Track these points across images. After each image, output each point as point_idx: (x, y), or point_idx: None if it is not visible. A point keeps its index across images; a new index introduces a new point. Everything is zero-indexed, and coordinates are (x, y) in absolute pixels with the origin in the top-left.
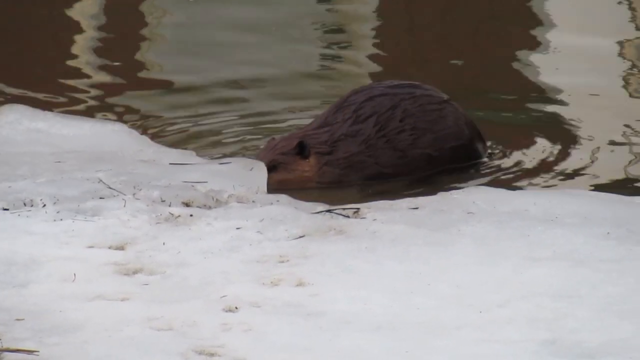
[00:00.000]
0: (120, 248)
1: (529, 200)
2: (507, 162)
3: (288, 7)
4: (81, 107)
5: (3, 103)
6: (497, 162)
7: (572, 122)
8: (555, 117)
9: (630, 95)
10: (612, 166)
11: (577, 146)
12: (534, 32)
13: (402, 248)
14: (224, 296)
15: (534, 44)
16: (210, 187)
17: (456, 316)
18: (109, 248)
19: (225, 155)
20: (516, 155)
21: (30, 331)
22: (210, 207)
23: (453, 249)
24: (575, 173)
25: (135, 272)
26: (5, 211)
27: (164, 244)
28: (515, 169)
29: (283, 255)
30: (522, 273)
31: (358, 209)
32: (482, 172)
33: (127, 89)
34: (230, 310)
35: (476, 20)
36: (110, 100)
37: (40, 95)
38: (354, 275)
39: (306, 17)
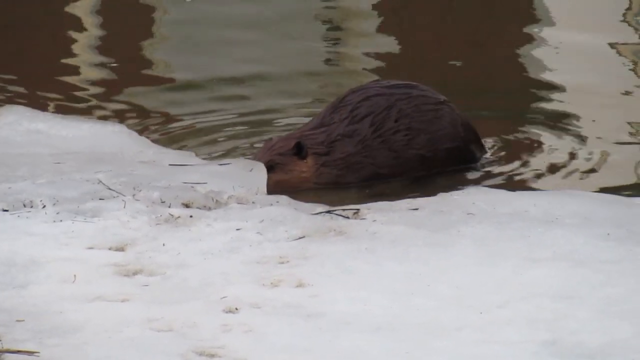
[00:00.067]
0: (120, 249)
1: (529, 201)
2: (506, 163)
3: (288, 3)
4: (81, 105)
5: (3, 102)
6: (496, 163)
7: (573, 123)
8: (556, 117)
9: (632, 94)
10: (613, 166)
11: (577, 147)
12: (534, 31)
13: (402, 249)
14: (224, 297)
15: (534, 43)
16: (210, 188)
17: (456, 317)
18: (109, 249)
19: (223, 154)
20: (516, 156)
21: (31, 332)
22: (210, 208)
23: (453, 250)
24: (576, 174)
25: (135, 273)
26: (5, 212)
27: (163, 245)
28: (515, 169)
29: (283, 256)
30: (522, 274)
31: (358, 209)
32: (482, 173)
33: (127, 87)
34: (230, 311)
35: (476, 19)
36: (110, 98)
37: (40, 93)
38: (353, 276)
39: (306, 14)
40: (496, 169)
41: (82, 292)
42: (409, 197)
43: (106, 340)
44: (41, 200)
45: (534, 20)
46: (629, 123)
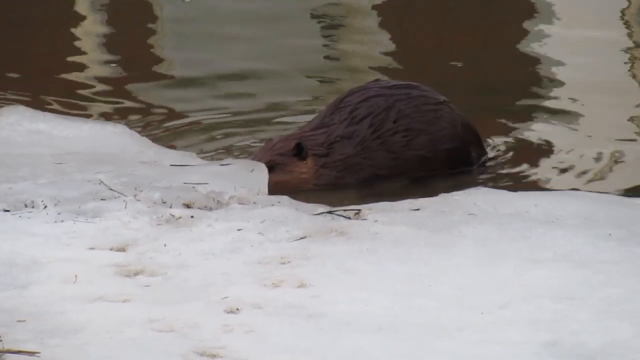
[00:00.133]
0: (121, 249)
1: (530, 201)
2: (507, 163)
3: (288, 1)
4: (83, 103)
5: (4, 100)
6: (497, 163)
7: (575, 122)
8: (557, 117)
9: (636, 92)
10: (614, 167)
11: (578, 147)
12: (534, 28)
13: (404, 249)
14: (225, 297)
15: (535, 41)
16: (211, 188)
17: (457, 317)
18: (110, 249)
19: (224, 153)
20: (517, 156)
21: (32, 332)
22: (211, 209)
23: (454, 251)
24: (577, 174)
25: (136, 273)
26: (6, 212)
27: (165, 245)
28: (516, 170)
29: (284, 257)
30: (523, 274)
31: (359, 210)
32: (483, 173)
33: (127, 85)
34: (231, 312)
35: (477, 17)
36: (111, 95)
37: (40, 91)
38: (355, 277)
39: (305, 11)
40: (497, 169)
41: (83, 292)
42: (411, 198)
43: (107, 340)
44: (42, 201)
45: (535, 17)
46: (632, 122)
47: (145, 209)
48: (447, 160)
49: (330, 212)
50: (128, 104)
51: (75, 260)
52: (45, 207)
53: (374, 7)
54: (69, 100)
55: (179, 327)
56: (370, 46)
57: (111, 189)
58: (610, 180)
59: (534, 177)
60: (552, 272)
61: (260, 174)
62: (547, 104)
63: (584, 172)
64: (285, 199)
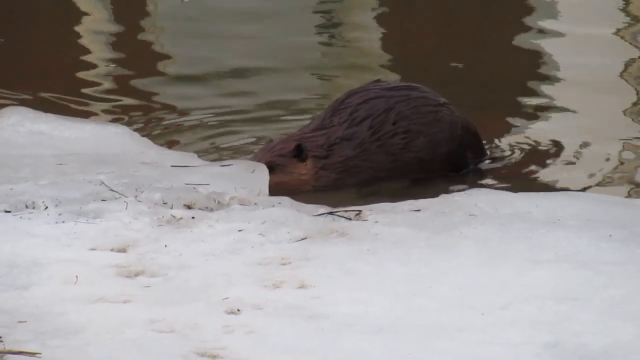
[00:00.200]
0: (122, 250)
1: (531, 202)
2: (508, 164)
3: None
4: (84, 100)
5: (5, 98)
6: (498, 164)
7: (575, 123)
8: (557, 117)
9: (637, 93)
10: (615, 167)
11: (579, 148)
12: (536, 30)
13: (404, 250)
14: (226, 298)
15: (536, 42)
16: (212, 189)
17: (458, 318)
18: (111, 250)
19: (219, 150)
20: (518, 157)
21: (32, 333)
22: (212, 210)
23: (455, 251)
24: (578, 174)
25: (137, 274)
26: (7, 213)
27: (165, 246)
28: (516, 170)
29: (285, 258)
30: (524, 275)
31: (360, 211)
32: (484, 174)
33: (128, 82)
34: (232, 313)
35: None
36: (111, 94)
37: (40, 88)
38: (355, 278)
39: (307, 8)
40: (498, 170)
41: (84, 293)
42: (411, 199)
43: (108, 341)
44: (43, 202)
45: (536, 14)
46: (634, 121)
47: (146, 210)
48: (446, 162)
49: (331, 213)
50: (129, 102)
51: (76, 261)
52: (46, 207)
53: (375, 4)
54: (70, 97)
55: (180, 328)
56: (371, 43)
57: (112, 190)
58: (612, 180)
59: (535, 178)
60: (554, 273)
61: (260, 175)
62: (548, 103)
63: (585, 173)
64: (286, 199)
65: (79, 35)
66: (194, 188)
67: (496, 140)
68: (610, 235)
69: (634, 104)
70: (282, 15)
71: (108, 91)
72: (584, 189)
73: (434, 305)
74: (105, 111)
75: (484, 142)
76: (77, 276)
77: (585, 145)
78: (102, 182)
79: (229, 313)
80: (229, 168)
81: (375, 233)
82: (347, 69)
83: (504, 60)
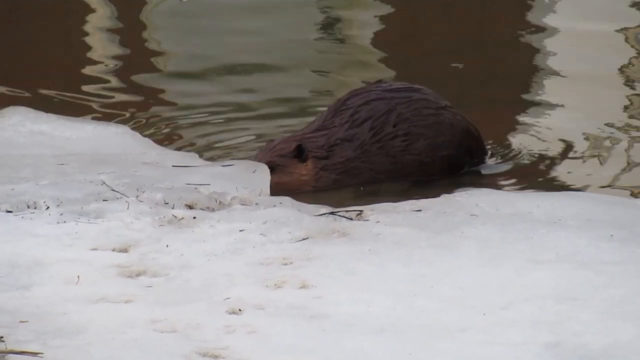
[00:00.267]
0: (124, 250)
1: (532, 202)
2: (509, 164)
3: None
4: (85, 97)
5: (6, 96)
6: (499, 164)
7: (576, 122)
8: (559, 118)
9: (638, 94)
10: (616, 168)
11: (580, 148)
12: (536, 30)
13: (406, 250)
14: (227, 298)
15: (537, 43)
16: (213, 189)
17: (459, 318)
18: (113, 250)
19: (226, 153)
20: (519, 157)
21: (34, 333)
22: (213, 210)
23: (456, 251)
24: (579, 175)
25: (138, 274)
26: (9, 213)
27: (167, 246)
28: (518, 171)
29: (286, 258)
30: (525, 275)
31: (361, 211)
32: (485, 174)
33: (129, 80)
34: (233, 313)
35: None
36: (113, 91)
37: (41, 86)
38: (357, 278)
39: (307, 4)
40: (499, 170)
41: (85, 293)
42: (413, 199)
43: (110, 341)
44: (44, 202)
45: (538, 10)
46: (636, 120)
47: (148, 210)
48: (445, 166)
49: (332, 213)
50: (130, 99)
51: (78, 261)
52: (48, 208)
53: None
54: (71, 95)
55: (182, 328)
56: (371, 40)
57: (113, 190)
58: (613, 180)
59: (535, 178)
60: (555, 273)
61: (262, 175)
62: (549, 103)
63: (586, 173)
64: (287, 199)
65: (79, 33)
66: (196, 188)
67: (497, 140)
68: (611, 235)
69: (637, 102)
70: (282, 11)
71: (109, 89)
72: (584, 189)
73: (435, 305)
74: (106, 107)
75: (485, 142)
76: (78, 276)
77: (586, 145)
78: (104, 182)
79: (230, 313)
80: (230, 168)
81: (377, 233)
82: (347, 66)
83: (505, 60)
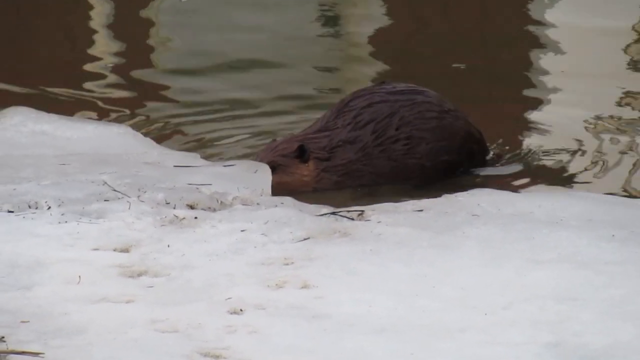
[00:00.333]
0: (125, 250)
1: (534, 202)
2: (511, 164)
3: None
4: (86, 93)
5: (7, 94)
6: (501, 164)
7: (577, 124)
8: (560, 118)
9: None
10: (617, 168)
11: (581, 148)
12: (537, 31)
13: (407, 250)
14: (228, 298)
15: (537, 44)
16: (214, 189)
17: (460, 318)
18: (114, 250)
19: (227, 153)
20: (520, 158)
21: (35, 333)
22: (214, 210)
23: (458, 252)
24: (580, 175)
25: (139, 274)
26: (10, 213)
27: (168, 246)
28: (519, 171)
29: (288, 258)
30: (526, 275)
31: (362, 211)
32: (486, 174)
33: (130, 77)
34: (235, 313)
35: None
36: (114, 88)
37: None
38: (358, 278)
39: (308, 3)
40: (500, 170)
41: (86, 293)
42: (414, 199)
43: (110, 341)
44: (46, 202)
45: (538, 19)
46: (633, 124)
47: (149, 210)
48: (446, 171)
49: (333, 213)
50: (131, 96)
51: (79, 261)
52: (49, 208)
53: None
54: (71, 93)
55: (183, 328)
56: (374, 36)
57: (115, 190)
58: (614, 181)
59: (537, 178)
60: (555, 273)
61: (263, 175)
62: (550, 106)
63: (588, 173)
64: (288, 199)
65: (80, 30)
66: (197, 188)
67: (498, 140)
68: (612, 236)
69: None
70: (283, 7)
71: (110, 86)
72: (585, 190)
73: (436, 306)
74: (107, 104)
75: (487, 141)
76: (79, 276)
77: (588, 144)
78: (105, 182)
79: (231, 313)
80: (232, 168)
81: (378, 233)
82: (348, 62)
83: (506, 57)
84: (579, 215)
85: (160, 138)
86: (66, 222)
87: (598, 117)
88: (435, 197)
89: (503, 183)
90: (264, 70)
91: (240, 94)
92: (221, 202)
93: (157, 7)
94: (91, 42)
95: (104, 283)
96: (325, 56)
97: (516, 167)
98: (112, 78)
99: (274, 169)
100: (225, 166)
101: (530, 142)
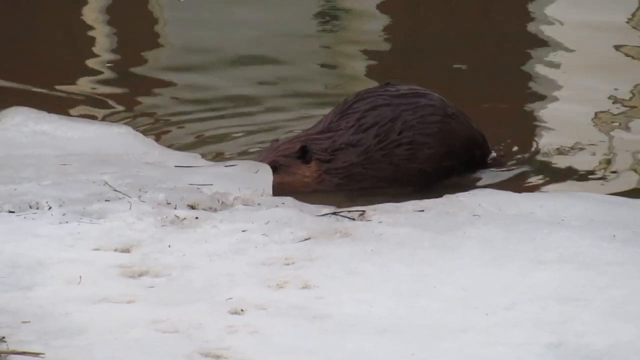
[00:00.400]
0: (126, 250)
1: (535, 202)
2: (512, 165)
3: None
4: (87, 90)
5: (7, 93)
6: (502, 165)
7: (578, 124)
8: (561, 118)
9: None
10: (618, 168)
11: (582, 148)
12: (537, 31)
13: (408, 251)
14: (229, 298)
15: (538, 43)
16: (215, 189)
17: (462, 319)
18: (115, 250)
19: (228, 152)
20: (522, 158)
21: (36, 333)
22: (215, 210)
23: (459, 252)
24: (581, 175)
25: (140, 274)
26: (11, 213)
27: (169, 246)
28: (520, 171)
29: (288, 258)
30: (528, 276)
31: (364, 211)
32: (488, 174)
33: (130, 76)
34: (235, 313)
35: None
36: (115, 85)
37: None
38: (359, 278)
39: (307, 1)
40: (502, 171)
41: (87, 293)
42: (415, 199)
43: (111, 341)
44: (47, 202)
45: (538, 20)
46: (635, 124)
47: (150, 210)
48: (447, 174)
49: (334, 213)
50: (132, 94)
51: (80, 261)
52: (50, 208)
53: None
54: (72, 91)
55: (184, 328)
56: (374, 33)
57: (116, 190)
58: (615, 181)
59: (538, 178)
60: (557, 273)
61: (264, 175)
62: (551, 106)
63: (589, 173)
64: (289, 200)
65: (80, 28)
66: (198, 188)
67: (498, 140)
68: (614, 236)
69: None
70: (284, 3)
71: (111, 83)
72: (587, 190)
73: (437, 306)
74: (108, 99)
75: (487, 140)
76: (80, 276)
77: (588, 146)
78: (106, 183)
79: (232, 313)
80: (233, 168)
81: (379, 233)
82: (350, 59)
83: (506, 59)
84: (580, 216)
85: (161, 135)
86: (67, 222)
87: (600, 116)
88: (437, 197)
89: (504, 183)
90: (264, 66)
91: (240, 91)
92: (222, 202)
93: (156, 4)
94: (91, 41)
95: (105, 283)
96: (325, 53)
97: (517, 167)
98: (112, 76)
99: (275, 168)
100: (226, 166)
101: (531, 142)
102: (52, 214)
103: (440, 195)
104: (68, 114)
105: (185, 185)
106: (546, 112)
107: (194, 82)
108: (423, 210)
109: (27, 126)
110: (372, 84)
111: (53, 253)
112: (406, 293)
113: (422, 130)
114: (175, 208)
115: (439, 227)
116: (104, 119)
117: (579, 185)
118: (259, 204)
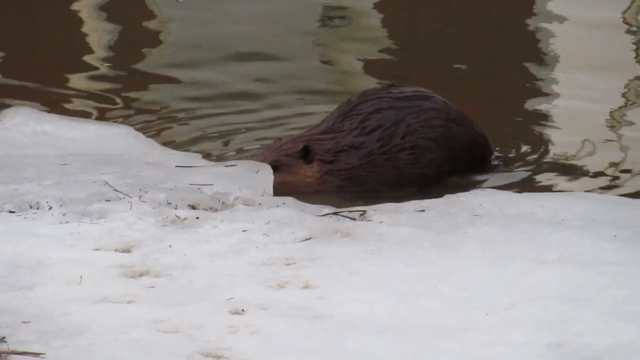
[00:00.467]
0: (126, 250)
1: (536, 202)
2: (513, 165)
3: None
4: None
5: (8, 92)
6: (503, 165)
7: (578, 124)
8: (562, 118)
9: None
10: (619, 168)
11: (583, 148)
12: (537, 31)
13: (409, 250)
14: (230, 298)
15: (538, 43)
16: (216, 189)
17: (462, 319)
18: (115, 250)
19: (230, 152)
20: (522, 158)
21: (36, 334)
22: (216, 210)
23: (459, 252)
24: (582, 175)
25: (141, 274)
26: (11, 213)
27: (170, 246)
28: (521, 171)
29: (289, 258)
30: (529, 276)
31: (364, 211)
32: (489, 174)
33: (130, 74)
34: (236, 313)
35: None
36: (116, 82)
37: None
38: (360, 278)
39: (308, 1)
40: (503, 171)
41: (88, 293)
42: (416, 199)
43: (112, 341)
44: (47, 202)
45: (538, 20)
46: (635, 124)
47: (151, 210)
48: (448, 178)
49: (335, 213)
50: (132, 93)
51: (80, 261)
52: (51, 208)
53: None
54: (72, 90)
55: (184, 328)
56: (376, 31)
57: (116, 190)
58: (616, 181)
59: (539, 179)
60: (558, 273)
61: (265, 175)
62: (552, 106)
63: (590, 173)
64: (290, 200)
65: (80, 27)
66: (199, 188)
67: (499, 140)
68: (614, 236)
69: None
70: (282, 13)
71: (112, 79)
72: (588, 190)
73: (438, 306)
74: (107, 106)
75: (488, 140)
76: (81, 276)
77: (589, 145)
78: (106, 183)
79: (233, 313)
80: (233, 168)
81: (380, 233)
82: (350, 56)
83: (506, 58)
84: (581, 216)
85: (161, 132)
86: (67, 222)
87: (602, 115)
88: (437, 197)
89: (505, 183)
90: (264, 62)
91: (240, 87)
92: (223, 202)
93: (155, 2)
94: (91, 39)
95: (105, 283)
96: (325, 50)
97: (517, 167)
98: (112, 73)
99: (276, 168)
100: (226, 166)
101: (532, 141)
102: (52, 214)
103: (440, 195)
104: (69, 112)
105: (185, 185)
106: (546, 112)
107: (194, 79)
108: (424, 210)
109: (27, 126)
110: (372, 80)
111: (53, 253)
112: (407, 293)
113: (425, 134)
114: (175, 208)
115: (440, 227)
116: (105, 116)
117: (580, 185)
118: (259, 204)
